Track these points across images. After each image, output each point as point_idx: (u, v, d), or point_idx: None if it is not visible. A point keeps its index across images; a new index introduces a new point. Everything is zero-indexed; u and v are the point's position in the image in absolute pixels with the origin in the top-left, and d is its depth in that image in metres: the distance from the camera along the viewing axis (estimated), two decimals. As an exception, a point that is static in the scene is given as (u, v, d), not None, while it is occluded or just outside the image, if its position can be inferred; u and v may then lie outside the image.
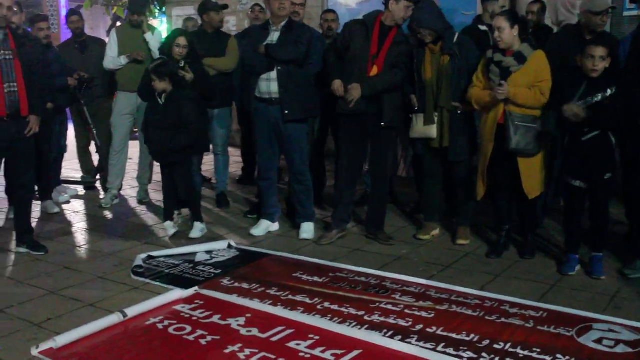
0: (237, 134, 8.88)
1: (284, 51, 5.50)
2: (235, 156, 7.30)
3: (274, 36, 5.61)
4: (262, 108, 5.68)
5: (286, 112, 5.57)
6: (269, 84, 5.57)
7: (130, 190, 7.76)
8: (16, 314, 4.29)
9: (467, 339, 3.73)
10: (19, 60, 5.14)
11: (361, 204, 6.57)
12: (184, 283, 4.72)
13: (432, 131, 5.40)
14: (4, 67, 5.06)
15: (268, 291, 4.52)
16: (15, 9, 6.10)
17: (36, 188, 6.45)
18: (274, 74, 5.55)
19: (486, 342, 3.68)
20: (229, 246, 5.58)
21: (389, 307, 4.20)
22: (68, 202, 7.35)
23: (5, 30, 5.13)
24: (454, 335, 3.77)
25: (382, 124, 5.40)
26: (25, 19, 7.02)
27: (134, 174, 7.65)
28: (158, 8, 12.68)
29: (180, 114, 5.66)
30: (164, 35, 7.28)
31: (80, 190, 7.94)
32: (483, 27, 6.33)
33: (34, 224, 5.92)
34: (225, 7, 7.10)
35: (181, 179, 5.92)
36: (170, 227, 5.99)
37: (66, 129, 7.49)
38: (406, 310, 4.14)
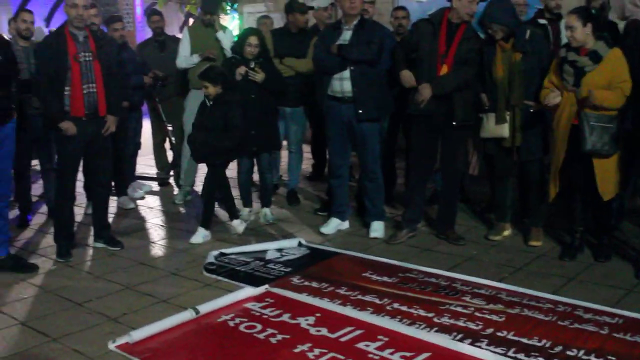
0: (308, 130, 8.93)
1: (357, 51, 5.51)
2: (305, 152, 7.35)
3: (346, 35, 5.61)
4: (335, 106, 5.70)
5: (360, 111, 5.57)
6: (342, 83, 5.59)
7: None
8: (94, 307, 4.44)
9: (539, 344, 3.68)
10: (98, 61, 5.28)
11: (431, 202, 6.53)
12: (255, 281, 4.79)
13: (504, 130, 5.32)
14: (83, 69, 5.20)
15: (337, 291, 4.55)
16: (95, 12, 6.30)
17: (112, 184, 6.62)
18: (346, 73, 5.56)
19: (558, 349, 3.62)
20: (299, 244, 5.62)
21: (459, 309, 4.18)
22: (143, 198, 7.54)
23: (85, 32, 5.28)
24: (525, 340, 3.72)
25: (454, 123, 5.36)
26: (102, 18, 7.20)
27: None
28: (229, 5, 12.83)
29: (226, 117, 5.72)
30: (235, 33, 7.37)
31: (155, 186, 8.13)
32: (542, 21, 6.18)
33: (110, 220, 6.11)
34: (311, 8, 7.13)
35: (220, 180, 5.97)
36: (239, 224, 6.07)
37: (141, 127, 7.67)
38: (476, 313, 4.10)
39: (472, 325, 3.93)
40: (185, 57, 7.03)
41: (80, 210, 6.84)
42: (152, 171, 8.59)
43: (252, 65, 6.01)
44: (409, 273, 4.89)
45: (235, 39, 6.44)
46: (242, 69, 5.97)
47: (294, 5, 6.91)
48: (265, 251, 5.46)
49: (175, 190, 7.80)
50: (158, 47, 7.69)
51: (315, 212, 6.67)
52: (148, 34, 9.05)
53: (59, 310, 4.41)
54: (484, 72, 5.37)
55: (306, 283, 4.72)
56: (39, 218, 6.78)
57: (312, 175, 8.30)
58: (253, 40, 6.03)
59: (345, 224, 6.11)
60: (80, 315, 4.34)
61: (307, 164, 8.58)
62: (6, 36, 4.95)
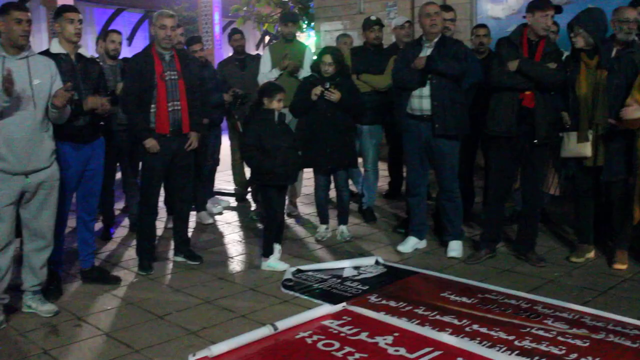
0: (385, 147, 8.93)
1: (447, 65, 5.48)
2: (380, 169, 7.35)
3: (427, 52, 5.59)
4: (413, 125, 5.69)
5: (437, 126, 5.55)
6: (421, 101, 5.58)
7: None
8: (174, 321, 4.53)
9: (626, 371, 3.56)
10: (183, 80, 5.43)
11: (510, 221, 6.43)
12: (332, 298, 4.79)
13: (587, 150, 5.20)
14: (169, 87, 5.35)
15: (416, 310, 4.51)
16: (181, 31, 6.48)
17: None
18: (426, 90, 5.55)
19: (647, 377, 3.50)
20: (377, 262, 5.60)
21: (541, 332, 4.08)
22: (221, 213, 7.66)
23: (171, 51, 5.44)
24: (611, 367, 3.61)
25: (535, 141, 5.26)
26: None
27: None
28: (306, 23, 12.98)
29: (292, 133, 5.78)
30: (312, 50, 7.45)
31: (232, 202, 8.24)
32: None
33: (189, 234, 6.21)
34: (377, 22, 7.13)
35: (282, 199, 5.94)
36: (323, 230, 6.21)
37: (220, 143, 7.82)
38: (559, 338, 4.00)
39: (554, 350, 3.83)
40: (265, 73, 7.13)
41: (160, 224, 7.00)
42: (230, 187, 8.72)
43: (328, 85, 6.03)
44: (488, 294, 4.81)
45: (315, 59, 6.49)
46: (317, 89, 6.03)
47: (367, 23, 7.02)
48: (342, 269, 5.46)
49: (253, 206, 7.89)
50: (239, 66, 7.83)
51: (395, 230, 6.64)
52: (226, 51, 9.22)
53: (141, 322, 4.51)
54: (567, 89, 5.27)
55: (384, 302, 4.70)
56: (122, 231, 6.97)
57: (389, 193, 8.28)
58: (327, 59, 6.07)
59: (423, 243, 6.07)
60: (161, 327, 4.43)
61: (382, 182, 8.56)
62: (87, 53, 5.12)
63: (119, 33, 6.58)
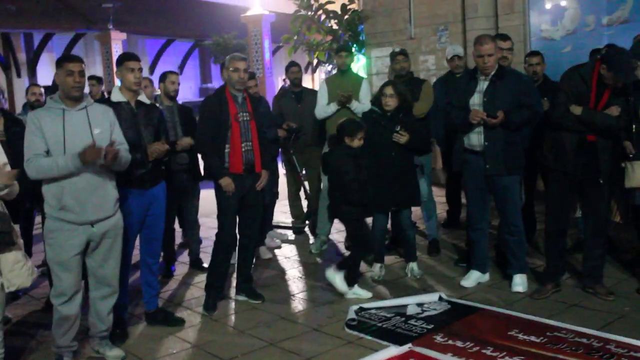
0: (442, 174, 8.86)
1: (521, 117, 5.43)
2: (438, 196, 7.22)
3: (483, 85, 5.52)
4: (473, 160, 5.61)
5: (488, 166, 5.49)
6: (481, 137, 5.50)
7: (337, 234, 7.92)
8: (241, 365, 4.53)
9: None
10: (254, 121, 5.54)
11: (574, 250, 6.29)
12: (397, 338, 4.74)
13: None
14: (242, 128, 5.47)
15: (483, 351, 4.42)
16: (253, 82, 6.68)
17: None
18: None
19: None
20: (440, 298, 5.52)
21: (616, 374, 3.97)
22: (279, 247, 7.66)
23: (243, 93, 5.55)
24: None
25: (600, 181, 5.15)
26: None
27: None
28: (357, 49, 12.97)
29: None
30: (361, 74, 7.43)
31: (290, 234, 8.25)
32: None
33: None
34: (401, 52, 7.12)
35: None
36: (378, 269, 6.16)
37: (277, 177, 7.84)
38: (636, 380, 3.89)
39: (632, 394, 3.72)
40: (323, 107, 7.15)
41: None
42: (287, 220, 8.74)
43: (398, 128, 5.91)
44: (557, 332, 4.69)
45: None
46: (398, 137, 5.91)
47: (392, 55, 7.16)
48: (405, 306, 5.39)
49: (311, 239, 7.89)
50: (295, 99, 7.85)
51: (456, 264, 6.54)
52: (275, 76, 9.29)
53: (208, 367, 4.54)
54: (630, 118, 5.15)
55: (450, 342, 4.62)
56: (182, 268, 7.02)
57: (447, 222, 8.17)
58: (388, 90, 6.00)
59: (486, 277, 5.95)
60: (228, 373, 4.44)
61: (440, 209, 8.45)
62: (147, 100, 5.21)
63: (177, 74, 6.69)
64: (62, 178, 4.33)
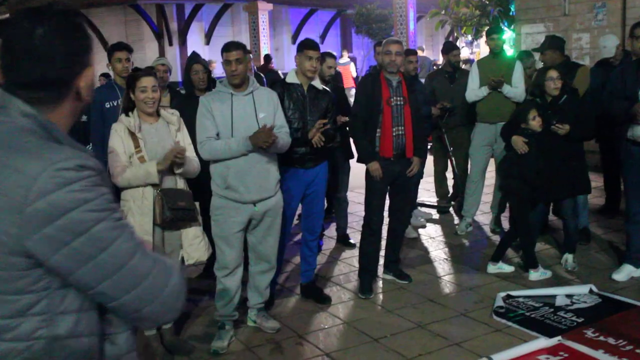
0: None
1: None
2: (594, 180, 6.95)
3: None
4: (637, 152, 5.44)
5: None
6: None
7: (482, 216, 7.91)
8: (389, 345, 4.70)
9: None
10: (409, 105, 5.58)
11: None
12: (545, 329, 4.74)
13: None
14: (394, 112, 5.52)
15: (637, 351, 4.35)
16: (414, 58, 7.12)
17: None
18: None
19: None
20: (591, 291, 5.44)
21: None
22: (424, 226, 7.74)
23: (399, 77, 5.61)
24: None
25: None
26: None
27: (485, 198, 7.80)
28: (506, 25, 12.71)
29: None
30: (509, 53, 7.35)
31: (434, 214, 8.31)
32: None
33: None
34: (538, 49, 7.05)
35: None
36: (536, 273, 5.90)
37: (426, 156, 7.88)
38: None
39: None
40: (474, 90, 7.13)
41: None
42: (431, 198, 8.79)
43: (554, 122, 5.72)
44: None
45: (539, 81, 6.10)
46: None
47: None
48: (554, 296, 5.36)
49: (456, 220, 7.92)
50: (448, 79, 7.86)
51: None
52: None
53: (358, 344, 4.73)
54: None
55: (602, 338, 4.57)
56: (329, 243, 7.25)
57: (604, 208, 7.91)
58: (553, 73, 5.79)
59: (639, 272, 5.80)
60: (378, 351, 4.61)
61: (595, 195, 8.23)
62: (320, 85, 5.39)
63: (334, 57, 6.78)
64: (229, 159, 4.61)
